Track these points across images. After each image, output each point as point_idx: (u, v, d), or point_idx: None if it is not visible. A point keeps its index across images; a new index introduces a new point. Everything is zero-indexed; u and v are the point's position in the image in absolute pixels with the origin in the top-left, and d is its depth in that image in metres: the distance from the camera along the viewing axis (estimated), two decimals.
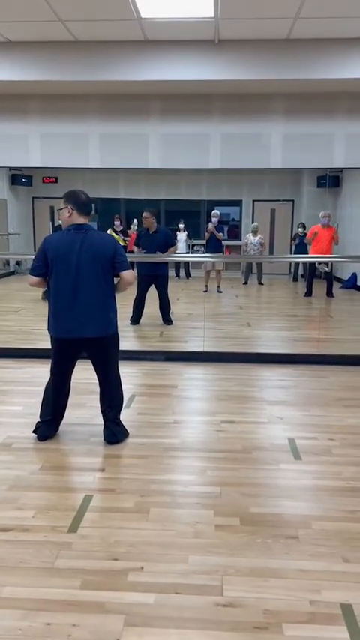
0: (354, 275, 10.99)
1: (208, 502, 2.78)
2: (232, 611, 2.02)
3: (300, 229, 11.50)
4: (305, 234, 10.58)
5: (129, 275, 3.43)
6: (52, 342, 3.43)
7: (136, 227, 11.34)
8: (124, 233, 10.78)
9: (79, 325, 3.28)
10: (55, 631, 1.92)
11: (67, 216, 3.35)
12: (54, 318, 3.34)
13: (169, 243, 6.98)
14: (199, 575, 2.21)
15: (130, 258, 7.40)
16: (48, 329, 3.40)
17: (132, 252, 7.35)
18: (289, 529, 2.55)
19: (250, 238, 11.47)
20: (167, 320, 7.04)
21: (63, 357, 3.45)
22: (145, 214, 6.84)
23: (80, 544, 2.42)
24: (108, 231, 9.66)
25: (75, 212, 3.33)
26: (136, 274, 7.13)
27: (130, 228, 11.70)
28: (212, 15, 4.25)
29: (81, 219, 3.35)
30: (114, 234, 9.52)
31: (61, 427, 3.62)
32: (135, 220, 11.87)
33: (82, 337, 3.32)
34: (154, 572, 2.23)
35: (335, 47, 4.72)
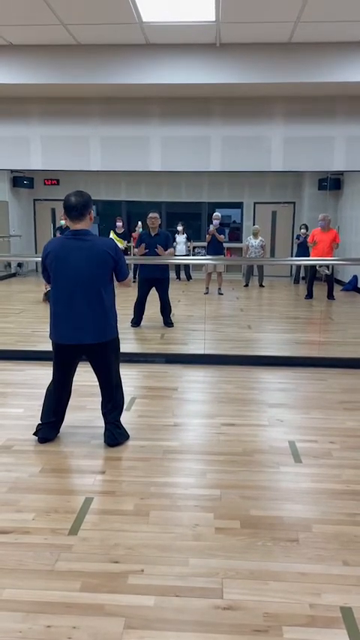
0: (355, 277, 10.99)
1: (208, 505, 2.78)
2: (232, 614, 2.02)
3: (302, 230, 11.49)
4: (307, 235, 10.59)
5: (127, 282, 3.50)
6: (52, 346, 3.44)
7: (140, 229, 11.35)
8: (126, 235, 10.77)
9: (78, 331, 3.28)
10: (55, 633, 1.92)
11: (63, 218, 3.37)
12: (54, 323, 3.34)
13: (168, 245, 7.00)
14: (199, 578, 2.22)
15: (132, 260, 7.38)
16: (49, 334, 3.40)
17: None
18: (289, 532, 2.55)
19: (250, 241, 11.48)
20: (168, 322, 7.05)
21: (63, 362, 3.45)
22: (153, 214, 6.87)
23: (80, 546, 2.42)
24: (110, 235, 9.70)
25: (67, 218, 3.32)
26: (138, 277, 7.18)
27: (135, 231, 11.70)
28: (213, 19, 4.26)
29: (76, 225, 3.29)
30: (115, 236, 9.53)
31: (62, 429, 3.63)
32: (139, 223, 11.86)
33: (81, 344, 3.32)
34: (154, 575, 2.23)
35: (336, 51, 4.74)
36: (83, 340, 3.30)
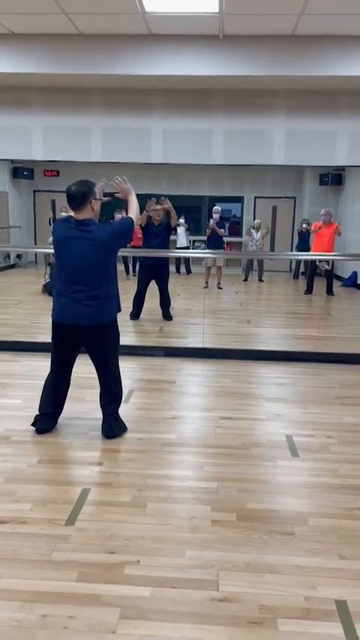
0: (354, 274, 10.99)
1: (205, 497, 2.79)
2: (227, 605, 2.03)
3: (304, 225, 11.46)
4: (308, 229, 10.58)
5: (134, 215, 3.52)
6: (52, 329, 3.44)
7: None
8: None
9: (76, 312, 3.29)
10: (51, 623, 1.93)
11: (62, 209, 3.39)
12: (55, 302, 3.38)
13: (168, 232, 7.07)
14: (195, 570, 2.22)
15: (132, 254, 7.38)
16: (52, 315, 3.42)
17: (136, 246, 7.45)
18: (286, 525, 2.56)
19: (253, 234, 11.45)
20: (167, 316, 7.06)
21: (61, 344, 3.44)
22: (156, 206, 6.93)
23: (77, 537, 2.43)
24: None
25: (69, 206, 3.35)
26: (138, 266, 7.27)
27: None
28: (217, 10, 4.23)
29: (78, 214, 3.30)
30: None
31: (60, 420, 3.63)
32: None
33: (77, 324, 3.32)
34: (150, 566, 2.24)
35: (340, 44, 4.71)
36: (82, 321, 3.30)
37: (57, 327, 3.41)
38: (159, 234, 6.88)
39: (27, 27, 4.69)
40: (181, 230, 11.78)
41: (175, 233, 10.90)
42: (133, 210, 3.57)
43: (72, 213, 3.36)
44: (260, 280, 11.53)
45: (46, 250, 7.38)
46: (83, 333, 3.37)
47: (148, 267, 6.97)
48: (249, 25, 4.54)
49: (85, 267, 3.27)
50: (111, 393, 3.54)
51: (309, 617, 1.98)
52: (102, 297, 3.32)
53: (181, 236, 11.79)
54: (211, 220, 10.29)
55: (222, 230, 10.45)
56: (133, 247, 8.41)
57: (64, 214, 6.22)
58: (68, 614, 1.97)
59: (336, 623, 1.95)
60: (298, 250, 11.54)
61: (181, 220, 12.05)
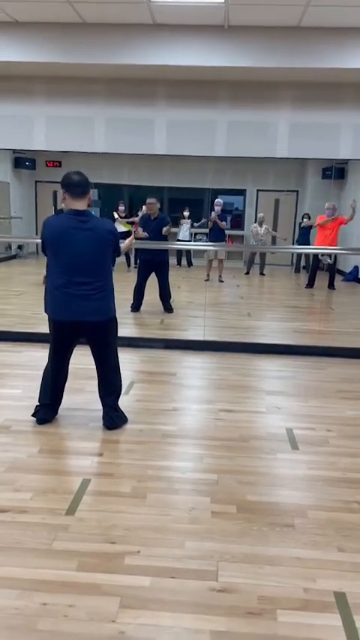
0: (356, 268, 10.97)
1: (205, 489, 2.80)
2: (226, 596, 2.04)
3: (305, 220, 11.41)
4: (310, 225, 10.53)
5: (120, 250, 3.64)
6: (49, 324, 3.43)
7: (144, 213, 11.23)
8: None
9: (77, 308, 3.27)
10: (51, 611, 1.94)
11: (62, 200, 3.34)
12: (51, 299, 3.34)
13: (163, 224, 7.05)
14: (195, 560, 2.23)
15: (133, 245, 7.41)
16: (45, 309, 3.40)
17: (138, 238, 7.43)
18: (285, 517, 2.57)
19: (257, 229, 11.41)
20: (168, 308, 7.05)
21: (60, 340, 3.44)
22: (151, 200, 6.92)
23: (77, 527, 2.44)
24: (115, 216, 9.69)
25: (68, 196, 3.26)
26: (138, 260, 7.23)
27: (137, 215, 11.58)
28: (222, 0, 4.20)
29: (77, 204, 3.26)
30: (119, 219, 9.51)
31: (60, 411, 3.63)
32: (143, 207, 11.75)
33: (78, 320, 3.31)
34: (150, 556, 2.25)
35: (345, 36, 4.67)
36: (81, 317, 3.29)
37: (55, 323, 3.39)
38: (155, 229, 6.84)
39: (31, 15, 4.65)
40: (185, 224, 11.71)
41: (178, 226, 10.86)
42: (125, 244, 4.02)
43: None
44: (261, 274, 11.50)
45: None
46: (85, 328, 3.37)
47: (147, 261, 6.95)
48: (254, 16, 4.50)
49: (87, 259, 3.25)
50: (110, 385, 3.55)
51: (308, 608, 1.99)
52: (106, 289, 3.33)
53: (184, 229, 11.74)
54: (213, 213, 10.25)
55: (224, 223, 10.41)
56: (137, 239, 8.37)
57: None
58: (68, 602, 1.98)
59: (335, 615, 1.96)
60: (299, 244, 11.50)
61: (185, 213, 12.00)
